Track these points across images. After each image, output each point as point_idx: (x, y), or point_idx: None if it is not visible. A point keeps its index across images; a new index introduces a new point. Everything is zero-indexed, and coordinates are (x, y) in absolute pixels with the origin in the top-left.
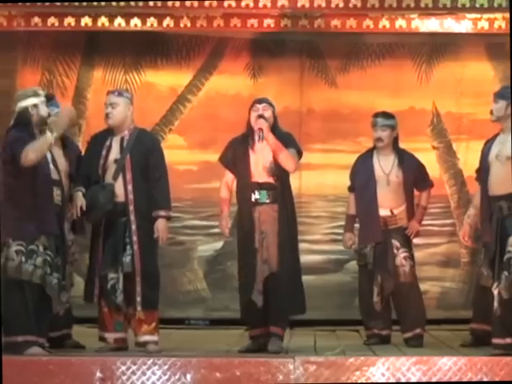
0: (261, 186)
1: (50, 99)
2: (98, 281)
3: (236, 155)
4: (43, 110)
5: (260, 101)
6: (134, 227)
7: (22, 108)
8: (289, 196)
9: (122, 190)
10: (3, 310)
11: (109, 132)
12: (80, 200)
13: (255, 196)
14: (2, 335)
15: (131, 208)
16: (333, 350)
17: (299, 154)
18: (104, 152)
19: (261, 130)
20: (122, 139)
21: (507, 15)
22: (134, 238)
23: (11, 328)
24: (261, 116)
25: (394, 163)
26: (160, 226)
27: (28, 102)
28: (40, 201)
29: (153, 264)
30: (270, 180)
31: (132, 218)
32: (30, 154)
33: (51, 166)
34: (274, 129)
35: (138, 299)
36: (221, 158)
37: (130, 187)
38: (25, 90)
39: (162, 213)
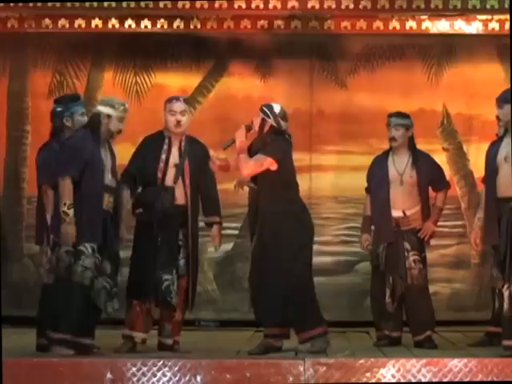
0: None
1: (76, 99)
2: (152, 281)
3: None
4: (113, 125)
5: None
6: (190, 231)
7: (96, 112)
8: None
9: (181, 193)
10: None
11: (162, 135)
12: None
13: None
14: (1, 332)
15: (189, 212)
16: (343, 352)
17: (277, 159)
18: (164, 156)
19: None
20: (180, 144)
21: None
22: (190, 242)
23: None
24: (247, 126)
25: (408, 163)
26: (216, 231)
27: (104, 109)
28: (87, 208)
29: (197, 267)
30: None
31: (190, 221)
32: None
33: (109, 174)
34: (264, 134)
35: (189, 301)
36: None
37: (188, 191)
38: (110, 98)
39: (217, 219)
